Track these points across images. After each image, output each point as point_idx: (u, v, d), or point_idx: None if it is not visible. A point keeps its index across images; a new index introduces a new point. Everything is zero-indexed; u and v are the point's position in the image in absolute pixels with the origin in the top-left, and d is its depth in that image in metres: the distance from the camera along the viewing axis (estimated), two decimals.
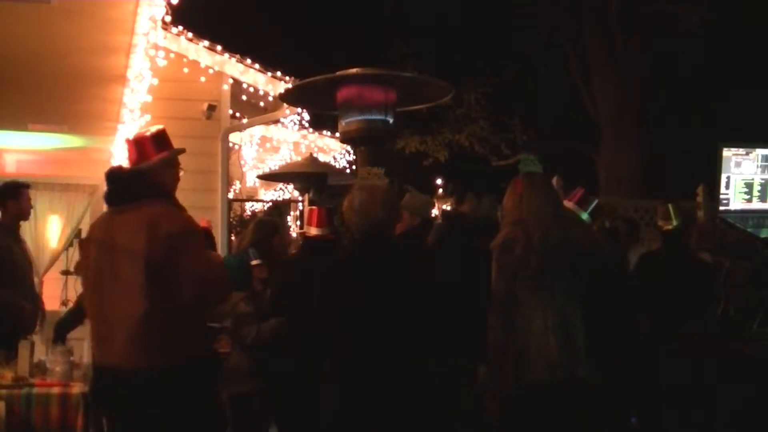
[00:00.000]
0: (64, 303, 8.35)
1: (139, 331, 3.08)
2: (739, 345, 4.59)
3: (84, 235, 8.44)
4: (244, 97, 8.81)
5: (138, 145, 3.33)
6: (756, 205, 6.55)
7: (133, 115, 6.94)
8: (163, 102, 7.42)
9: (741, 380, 4.24)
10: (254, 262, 4.33)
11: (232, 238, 8.00)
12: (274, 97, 8.49)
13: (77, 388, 4.45)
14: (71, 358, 4.82)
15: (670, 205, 5.57)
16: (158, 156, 3.31)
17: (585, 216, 4.56)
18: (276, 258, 4.93)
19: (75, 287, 7.47)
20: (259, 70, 8.42)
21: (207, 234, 5.05)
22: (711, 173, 6.73)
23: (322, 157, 10.76)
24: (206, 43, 8.07)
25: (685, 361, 4.51)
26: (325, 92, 4.93)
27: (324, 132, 11.21)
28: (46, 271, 8.65)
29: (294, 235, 8.40)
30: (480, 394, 3.66)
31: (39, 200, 8.42)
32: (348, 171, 10.19)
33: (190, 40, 7.99)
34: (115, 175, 3.37)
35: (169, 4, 5.55)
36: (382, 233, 3.47)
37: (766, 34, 12.99)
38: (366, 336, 3.27)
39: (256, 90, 8.53)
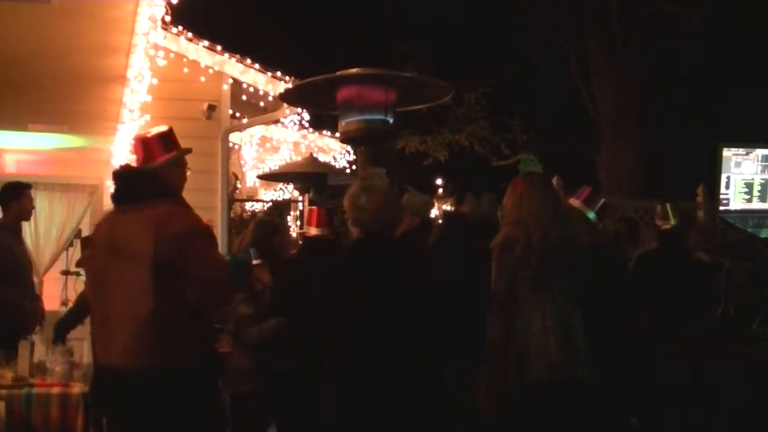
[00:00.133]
0: (64, 303, 8.35)
1: (143, 331, 3.07)
2: (739, 345, 4.59)
3: (84, 235, 8.45)
4: (244, 97, 8.81)
5: (145, 144, 3.32)
6: (756, 205, 6.56)
7: (133, 115, 6.94)
8: (163, 102, 7.42)
9: (741, 380, 4.24)
10: (255, 262, 4.34)
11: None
12: (274, 97, 8.49)
13: (77, 388, 4.46)
14: (71, 358, 4.82)
15: (668, 205, 5.57)
16: (166, 156, 3.30)
17: (591, 215, 4.55)
18: (276, 258, 4.94)
19: (75, 287, 7.47)
20: (259, 70, 8.42)
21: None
22: (711, 173, 6.74)
23: (322, 157, 10.75)
24: (206, 43, 8.06)
25: (685, 361, 4.51)
26: (325, 92, 4.92)
27: (324, 132, 11.21)
28: (46, 271, 8.64)
29: (294, 235, 8.40)
30: (476, 393, 3.66)
31: (39, 200, 8.41)
32: (348, 171, 10.19)
33: (190, 40, 7.98)
34: (122, 175, 3.35)
35: (169, 4, 5.55)
36: (386, 233, 3.47)
37: (766, 34, 12.99)
38: (366, 336, 3.28)
39: (256, 90, 8.53)
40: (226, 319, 4.56)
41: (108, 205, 8.56)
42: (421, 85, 5.26)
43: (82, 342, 6.66)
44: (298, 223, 9.78)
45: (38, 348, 5.17)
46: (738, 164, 6.57)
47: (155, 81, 6.64)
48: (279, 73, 8.44)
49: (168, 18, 6.07)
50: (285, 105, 8.14)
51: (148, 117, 7.08)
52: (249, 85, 8.51)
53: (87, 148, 8.69)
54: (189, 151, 3.42)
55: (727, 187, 6.55)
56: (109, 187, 8.84)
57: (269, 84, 8.45)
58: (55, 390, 4.41)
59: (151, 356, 3.08)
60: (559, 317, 3.52)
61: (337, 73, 4.79)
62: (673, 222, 5.50)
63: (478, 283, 3.73)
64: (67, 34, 5.44)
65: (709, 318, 5.11)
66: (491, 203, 5.11)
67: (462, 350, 4.15)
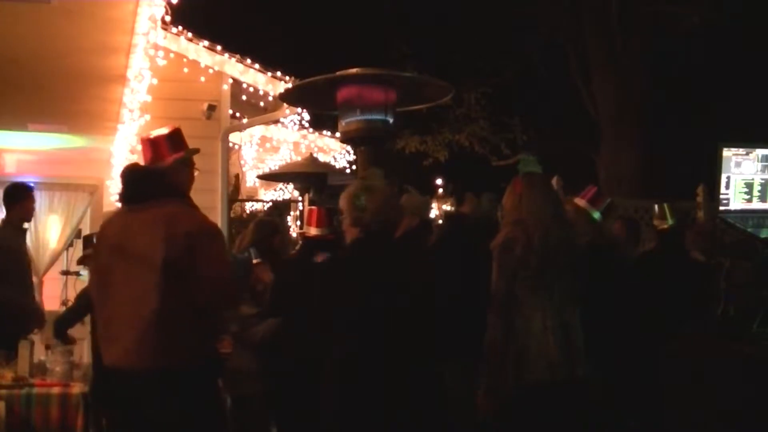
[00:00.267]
0: (64, 303, 8.35)
1: (147, 332, 3.05)
2: (739, 345, 4.59)
3: (84, 234, 8.45)
4: (244, 97, 8.81)
5: (154, 144, 3.31)
6: (756, 205, 6.56)
7: (133, 115, 6.94)
8: (163, 102, 7.42)
9: (741, 380, 4.25)
10: (255, 261, 4.34)
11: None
12: (274, 97, 8.49)
13: (77, 388, 4.46)
14: (71, 358, 4.83)
15: (665, 205, 5.58)
16: (174, 156, 3.30)
17: (597, 215, 4.54)
18: (276, 258, 4.93)
19: (75, 287, 7.47)
20: (259, 70, 8.41)
21: None
22: (711, 173, 6.74)
23: (322, 157, 10.75)
24: (206, 43, 8.06)
25: (685, 361, 4.51)
26: (325, 92, 4.92)
27: (324, 132, 11.20)
28: (46, 271, 8.65)
29: (294, 235, 8.40)
30: (476, 393, 3.66)
31: (39, 200, 8.42)
32: (348, 171, 10.18)
33: (190, 40, 7.98)
34: (131, 174, 3.34)
35: (169, 4, 5.55)
36: (386, 233, 3.47)
37: (766, 34, 12.99)
38: (366, 336, 3.27)
39: (256, 90, 8.52)
40: (229, 320, 4.55)
41: (108, 204, 8.64)
42: (421, 85, 5.26)
43: (82, 342, 6.66)
44: (298, 223, 9.77)
45: (38, 348, 5.18)
46: (738, 164, 6.58)
47: (155, 81, 6.63)
48: (279, 73, 8.44)
49: (168, 18, 6.07)
50: (285, 105, 8.14)
51: (148, 117, 7.07)
52: (249, 85, 8.51)
53: (87, 148, 8.69)
54: (197, 151, 3.42)
55: (727, 187, 6.55)
56: (109, 186, 8.89)
57: (269, 84, 8.45)
58: (55, 390, 4.41)
59: (156, 357, 3.06)
60: (559, 317, 3.53)
61: (337, 73, 4.79)
62: (670, 222, 5.50)
63: (479, 283, 3.73)
64: (67, 34, 5.44)
65: (709, 318, 5.11)
66: (491, 203, 5.11)
67: (462, 350, 4.14)
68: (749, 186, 6.60)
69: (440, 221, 11.25)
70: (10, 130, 8.14)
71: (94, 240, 5.24)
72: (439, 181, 18.60)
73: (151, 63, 6.28)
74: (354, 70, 4.78)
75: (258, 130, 10.29)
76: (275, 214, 9.90)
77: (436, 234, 4.98)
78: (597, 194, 4.63)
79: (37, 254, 8.40)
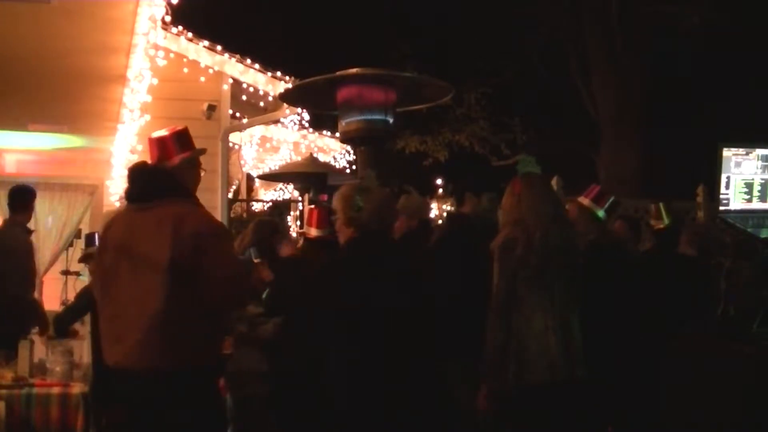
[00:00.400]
0: (64, 303, 8.34)
1: (153, 332, 3.03)
2: (739, 345, 4.59)
3: (84, 234, 8.46)
4: (244, 97, 8.81)
5: (161, 143, 3.29)
6: (756, 205, 6.56)
7: (133, 115, 6.94)
8: (163, 102, 7.42)
9: (741, 380, 4.24)
10: (255, 261, 4.33)
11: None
12: (274, 97, 8.49)
13: (77, 388, 4.46)
14: (71, 358, 4.83)
15: (660, 205, 5.58)
16: (181, 155, 3.28)
17: (601, 213, 4.54)
18: (276, 258, 4.93)
19: (75, 287, 7.47)
20: (259, 70, 8.42)
21: None
22: (711, 173, 6.74)
23: (322, 157, 10.75)
24: (206, 43, 8.07)
25: (685, 361, 4.51)
26: (325, 92, 4.93)
27: (324, 132, 11.21)
28: (46, 271, 8.64)
29: (294, 234, 8.40)
30: (476, 393, 3.66)
31: (39, 200, 8.42)
32: (348, 171, 10.19)
33: (190, 40, 7.98)
34: (138, 172, 3.31)
35: (169, 4, 5.54)
36: (384, 233, 3.47)
37: (766, 34, 12.99)
38: (366, 336, 3.27)
39: (256, 90, 8.53)
40: (237, 320, 4.54)
41: (108, 204, 8.64)
42: (421, 85, 5.27)
43: (82, 342, 6.66)
44: (298, 223, 9.78)
45: (38, 348, 5.19)
46: (738, 164, 6.57)
47: (155, 81, 6.63)
48: (279, 73, 8.44)
49: (168, 18, 6.07)
50: (285, 105, 8.14)
51: (148, 117, 7.08)
52: (249, 85, 8.51)
53: (87, 148, 8.68)
54: (204, 151, 3.41)
55: (727, 187, 6.55)
56: (109, 186, 8.88)
57: (269, 84, 8.45)
58: (55, 390, 4.42)
59: (160, 357, 3.05)
60: (560, 317, 3.53)
61: (337, 73, 4.80)
62: (666, 221, 5.51)
63: (479, 284, 3.73)
64: (67, 34, 5.44)
65: (709, 318, 5.11)
66: (492, 203, 5.11)
67: (462, 350, 4.14)
68: (749, 186, 6.59)
69: (440, 221, 11.26)
70: (10, 130, 8.14)
71: (97, 238, 5.27)
72: (439, 181, 18.57)
73: (151, 63, 6.28)
74: (354, 70, 4.79)
75: (258, 130, 10.29)
76: (275, 214, 9.91)
77: (437, 234, 4.97)
78: (600, 193, 4.63)
79: (37, 254, 8.39)
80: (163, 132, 3.34)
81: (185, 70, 8.01)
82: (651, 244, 5.90)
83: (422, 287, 3.49)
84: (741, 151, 6.59)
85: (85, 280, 7.22)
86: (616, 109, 12.65)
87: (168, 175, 3.24)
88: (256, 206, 11.56)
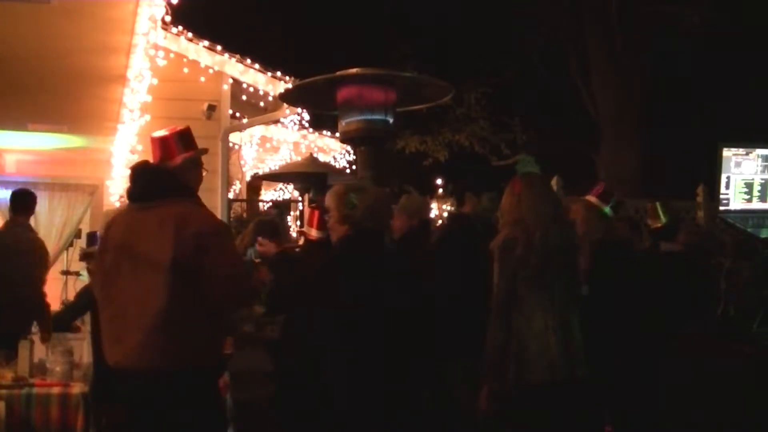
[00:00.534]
0: (63, 303, 8.35)
1: (155, 332, 3.03)
2: (739, 345, 4.59)
3: (85, 234, 8.46)
4: (244, 97, 8.82)
5: (163, 143, 3.28)
6: (756, 205, 6.56)
7: (133, 115, 6.94)
8: (163, 102, 7.43)
9: (741, 380, 4.24)
10: (257, 261, 4.34)
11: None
12: (274, 97, 8.49)
13: (77, 388, 4.46)
14: (71, 358, 4.83)
15: (657, 204, 5.58)
16: (184, 155, 3.27)
17: (607, 210, 4.56)
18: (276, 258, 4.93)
19: (75, 287, 7.47)
20: (259, 70, 8.42)
21: None
22: (711, 173, 6.74)
23: (322, 157, 10.75)
24: (206, 43, 8.07)
25: (685, 361, 4.51)
26: (325, 92, 4.92)
27: (324, 132, 11.21)
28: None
29: (294, 234, 8.39)
30: (476, 393, 3.66)
31: (39, 200, 8.42)
32: (348, 171, 10.19)
33: (190, 40, 7.99)
34: (141, 172, 3.30)
35: (169, 4, 5.55)
36: (379, 231, 3.47)
37: (766, 34, 12.99)
38: (365, 336, 3.27)
39: (256, 90, 8.53)
40: (244, 320, 4.54)
41: (108, 204, 8.64)
42: (421, 85, 5.25)
43: (82, 342, 6.66)
44: (298, 223, 9.78)
45: (38, 348, 5.18)
46: (738, 164, 6.58)
47: (155, 81, 6.64)
48: (279, 73, 8.44)
49: (168, 18, 6.07)
50: (285, 105, 8.14)
51: (148, 117, 7.08)
52: (249, 85, 8.52)
53: (87, 148, 8.68)
54: (206, 151, 3.40)
55: (727, 187, 6.55)
56: (109, 186, 8.89)
57: (269, 84, 8.46)
58: (55, 390, 4.41)
59: (161, 357, 3.04)
60: (560, 317, 3.53)
61: (337, 73, 4.79)
62: (663, 220, 5.51)
63: (479, 283, 3.73)
64: (67, 34, 5.44)
65: (709, 318, 5.11)
66: (492, 202, 5.11)
67: (462, 350, 4.15)
68: (749, 186, 6.60)
69: (440, 221, 11.25)
70: (10, 130, 8.14)
71: (98, 237, 5.28)
72: (439, 181, 18.58)
73: (151, 63, 6.28)
74: (354, 70, 4.78)
75: (258, 130, 10.29)
76: (275, 214, 9.90)
77: (438, 234, 4.98)
78: (606, 190, 4.64)
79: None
80: (165, 131, 3.33)
81: (185, 70, 8.01)
82: (649, 244, 5.90)
83: (421, 287, 3.49)
84: (741, 151, 6.60)
85: (84, 279, 7.22)
86: (616, 109, 12.65)
87: (170, 174, 3.23)
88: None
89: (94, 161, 8.86)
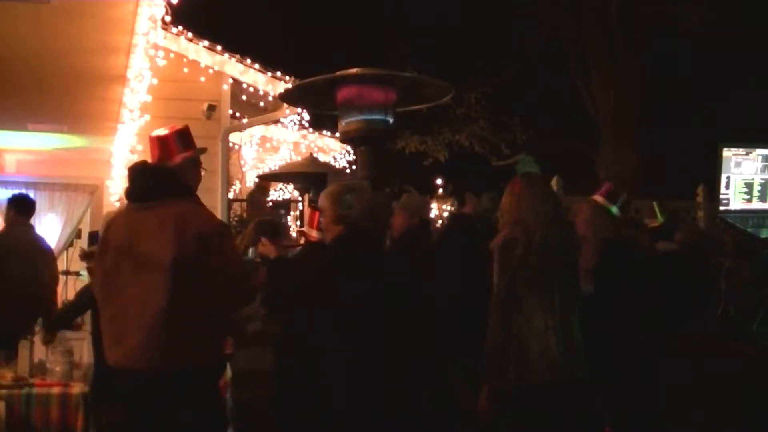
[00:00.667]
0: (63, 302, 8.34)
1: (156, 332, 3.03)
2: (739, 345, 4.59)
3: (87, 233, 8.45)
4: (244, 97, 8.81)
5: (162, 142, 3.27)
6: (756, 205, 6.56)
7: (133, 115, 6.94)
8: (163, 102, 7.42)
9: (741, 380, 4.24)
10: (257, 261, 4.33)
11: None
12: (274, 97, 8.49)
13: (77, 388, 4.46)
14: (71, 358, 4.83)
15: (655, 204, 5.60)
16: (183, 154, 3.26)
17: (614, 209, 4.55)
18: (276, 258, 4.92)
19: (75, 286, 7.47)
20: (259, 70, 8.42)
21: None
22: (711, 173, 6.73)
23: (322, 157, 10.75)
24: (206, 43, 8.07)
25: (685, 361, 4.51)
26: (325, 92, 4.91)
27: (324, 132, 11.21)
28: None
29: (294, 234, 8.39)
30: (476, 393, 3.66)
31: (39, 200, 8.43)
32: (348, 171, 10.18)
33: (190, 40, 7.98)
34: (140, 171, 3.29)
35: (169, 4, 5.54)
36: (374, 231, 3.46)
37: (766, 34, 12.99)
38: (364, 336, 3.27)
39: (256, 90, 8.53)
40: (248, 319, 4.52)
41: (108, 205, 8.64)
42: (421, 85, 5.25)
43: (82, 342, 6.66)
44: (298, 223, 9.77)
45: (38, 348, 5.19)
46: (738, 164, 6.57)
47: (155, 81, 6.63)
48: (279, 73, 8.44)
49: (168, 18, 6.07)
50: (285, 105, 8.14)
51: (148, 117, 7.08)
52: (249, 85, 8.51)
53: (87, 148, 8.68)
54: (205, 150, 3.40)
55: (727, 187, 6.54)
56: (109, 186, 8.88)
57: (269, 84, 8.45)
58: (55, 390, 4.42)
59: (162, 357, 3.04)
60: (560, 317, 3.53)
61: (337, 73, 4.79)
62: (661, 220, 5.52)
63: (479, 283, 3.73)
64: (67, 34, 5.44)
65: (709, 318, 5.11)
66: (492, 202, 5.11)
67: (462, 350, 4.15)
68: (749, 186, 6.59)
69: (440, 221, 11.25)
70: (10, 130, 8.14)
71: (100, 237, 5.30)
72: (439, 181, 18.58)
73: (151, 63, 6.28)
74: (354, 70, 4.78)
75: (258, 130, 10.29)
76: (275, 214, 9.90)
77: (438, 234, 4.98)
78: (613, 189, 4.63)
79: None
80: (164, 130, 3.32)
81: (185, 70, 8.01)
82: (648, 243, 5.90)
83: (421, 286, 3.48)
84: (741, 151, 6.59)
85: (84, 279, 7.21)
86: (616, 109, 12.65)
87: (170, 174, 3.22)
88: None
89: (94, 161, 8.86)
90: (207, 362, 3.15)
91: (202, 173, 3.39)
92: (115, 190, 8.55)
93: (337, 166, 10.92)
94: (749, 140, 6.85)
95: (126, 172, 3.39)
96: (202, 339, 3.12)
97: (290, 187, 11.24)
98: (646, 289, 4.43)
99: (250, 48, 8.83)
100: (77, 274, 7.98)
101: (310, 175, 8.21)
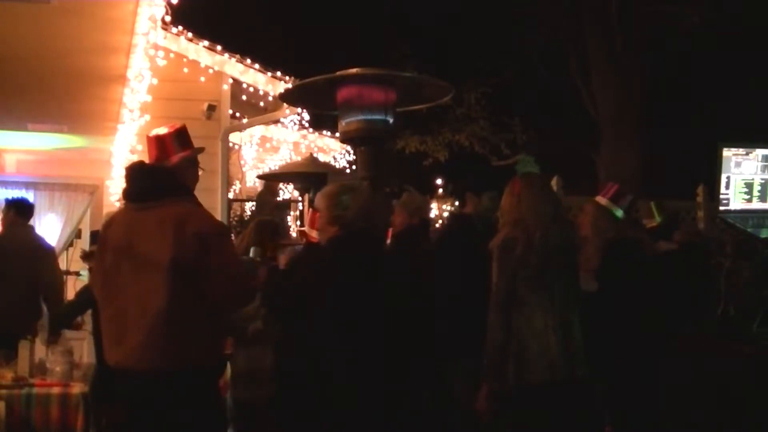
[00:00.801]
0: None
1: (156, 332, 3.02)
2: (739, 345, 4.60)
3: (84, 235, 8.46)
4: (244, 97, 8.82)
5: (160, 142, 3.26)
6: (756, 205, 6.55)
7: (133, 115, 6.94)
8: (163, 102, 7.43)
9: (741, 380, 4.25)
10: (257, 260, 4.33)
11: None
12: (274, 97, 8.49)
13: (77, 388, 4.46)
14: (71, 358, 4.82)
15: (652, 203, 5.59)
16: (180, 154, 3.25)
17: (619, 213, 4.51)
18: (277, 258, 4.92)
19: (75, 286, 7.48)
20: (259, 70, 8.42)
21: None
22: (711, 173, 6.73)
23: (322, 157, 10.76)
24: (206, 43, 8.07)
25: (685, 361, 4.51)
26: (325, 92, 4.91)
27: (324, 132, 11.21)
28: None
29: (294, 234, 8.38)
30: (476, 393, 3.66)
31: (39, 200, 8.44)
32: (348, 171, 10.19)
33: (190, 40, 7.99)
34: (138, 171, 3.28)
35: (169, 4, 5.54)
36: (371, 233, 3.46)
37: (766, 34, 12.99)
38: (364, 336, 3.26)
39: (256, 90, 8.53)
40: (251, 318, 4.52)
41: (108, 205, 8.64)
42: (421, 85, 5.25)
43: (82, 342, 6.66)
44: (298, 222, 9.78)
45: (38, 348, 5.18)
46: (738, 164, 6.56)
47: (155, 81, 6.64)
48: (279, 73, 8.44)
49: (168, 18, 6.07)
50: (285, 105, 8.14)
51: (148, 117, 7.08)
52: (249, 85, 8.52)
53: (87, 148, 8.69)
54: (202, 150, 3.39)
55: (727, 187, 6.53)
56: (109, 186, 8.89)
57: (269, 84, 8.46)
58: (55, 390, 4.41)
59: (162, 357, 3.04)
60: (560, 317, 3.53)
61: (337, 73, 4.78)
62: (658, 219, 5.51)
63: (479, 284, 3.73)
64: (67, 34, 5.44)
65: (709, 318, 5.11)
66: (493, 201, 5.11)
67: (462, 350, 4.15)
68: (749, 186, 6.58)
69: (440, 221, 11.24)
70: (10, 130, 8.14)
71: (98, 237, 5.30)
72: (439, 181, 18.58)
73: (151, 63, 6.28)
74: (354, 70, 4.77)
75: (258, 130, 10.29)
76: (276, 215, 9.90)
77: (439, 234, 4.98)
78: (619, 192, 4.58)
79: None
80: (161, 130, 3.31)
81: (185, 70, 8.02)
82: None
83: (419, 286, 3.48)
84: (741, 151, 6.58)
85: (84, 279, 7.22)
86: (616, 109, 12.64)
87: (168, 174, 3.22)
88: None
89: (94, 161, 8.86)
90: (207, 362, 3.15)
91: (200, 173, 3.39)
92: (115, 190, 8.56)
93: (337, 166, 10.93)
94: (749, 140, 6.84)
95: (124, 172, 3.38)
96: (202, 339, 3.11)
97: (290, 187, 11.24)
98: (646, 289, 4.43)
99: (250, 48, 8.84)
100: (77, 274, 7.99)
101: (310, 175, 8.21)
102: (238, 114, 8.98)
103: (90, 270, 5.70)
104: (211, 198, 7.87)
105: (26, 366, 4.65)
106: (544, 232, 3.55)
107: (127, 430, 3.22)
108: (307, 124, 10.71)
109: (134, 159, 6.44)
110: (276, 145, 10.94)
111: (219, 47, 8.15)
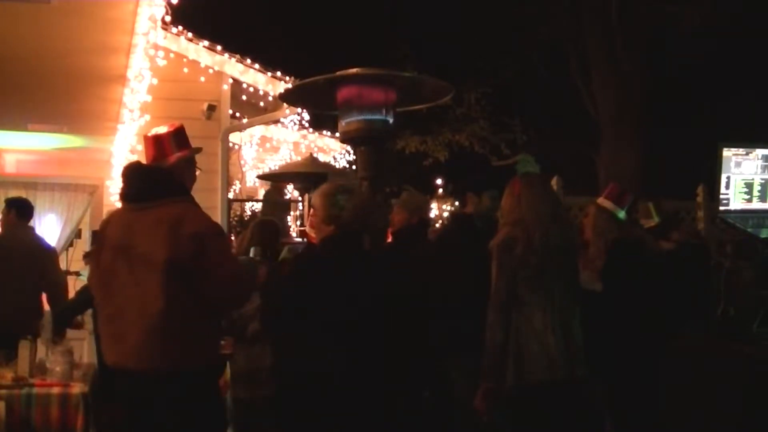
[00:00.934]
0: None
1: (155, 332, 3.02)
2: (739, 345, 4.59)
3: (84, 235, 8.46)
4: (244, 97, 8.82)
5: (157, 141, 3.26)
6: (756, 205, 6.54)
7: (133, 115, 6.94)
8: (163, 102, 7.43)
9: (741, 380, 4.25)
10: (257, 260, 4.33)
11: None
12: (274, 97, 8.50)
13: (77, 388, 4.45)
14: (71, 358, 4.82)
15: (650, 204, 5.59)
16: (178, 154, 3.25)
17: (621, 214, 4.50)
18: (277, 258, 4.93)
19: (75, 286, 7.47)
20: (259, 70, 8.43)
21: None
22: (711, 173, 6.72)
23: (322, 157, 10.76)
24: (206, 43, 8.07)
25: (685, 361, 4.51)
26: (325, 92, 4.91)
27: (324, 132, 11.22)
28: None
29: (294, 234, 8.40)
30: (476, 393, 3.65)
31: (39, 200, 8.44)
32: (348, 171, 10.19)
33: (190, 40, 7.99)
34: (135, 172, 3.28)
35: (169, 4, 5.55)
36: (366, 237, 3.45)
37: (766, 34, 12.99)
38: (363, 336, 3.26)
39: (256, 90, 8.54)
40: (249, 319, 4.52)
41: (108, 205, 8.65)
42: (421, 85, 5.24)
43: (82, 342, 6.66)
44: (298, 222, 9.78)
45: (38, 348, 5.18)
46: (738, 164, 6.56)
47: (155, 81, 6.64)
48: (279, 73, 8.45)
49: (168, 18, 6.07)
50: (285, 105, 8.15)
51: (148, 117, 7.08)
52: (249, 85, 8.52)
53: (87, 148, 8.69)
54: (199, 150, 3.39)
55: (727, 187, 6.53)
56: (109, 186, 8.89)
57: (269, 84, 8.46)
58: (55, 390, 4.41)
59: (161, 357, 3.04)
60: (560, 317, 3.53)
61: (337, 73, 4.78)
62: (656, 220, 5.52)
63: (479, 283, 3.73)
64: (67, 34, 5.44)
65: (709, 318, 5.11)
66: (494, 201, 5.11)
67: (462, 349, 4.15)
68: (749, 186, 6.58)
69: (440, 221, 11.24)
70: (10, 130, 8.15)
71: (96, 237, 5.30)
72: (439, 181, 18.58)
73: (151, 63, 6.28)
74: (354, 70, 4.77)
75: (258, 130, 10.30)
76: (276, 215, 9.90)
77: (439, 233, 4.98)
78: (621, 193, 4.57)
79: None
80: (159, 130, 3.31)
81: (185, 70, 8.02)
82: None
83: (417, 286, 3.48)
84: (741, 151, 6.57)
85: (84, 279, 7.22)
86: (616, 109, 12.64)
87: (165, 174, 3.22)
88: (257, 206, 11.55)
89: (94, 161, 8.87)
90: (206, 362, 3.15)
91: (198, 173, 3.39)
92: (115, 190, 8.56)
93: (337, 166, 10.93)
94: (749, 140, 6.83)
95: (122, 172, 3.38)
96: (200, 339, 3.12)
97: (290, 187, 11.25)
98: (646, 289, 4.43)
99: (250, 48, 8.85)
100: (77, 274, 7.99)
101: (310, 175, 8.22)
102: (238, 114, 8.99)
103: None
104: (211, 198, 7.87)
105: (26, 366, 4.64)
106: (544, 232, 3.55)
107: (127, 430, 3.22)
108: (307, 124, 10.72)
109: (134, 159, 6.45)
110: (276, 145, 10.94)
111: (219, 47, 8.15)
